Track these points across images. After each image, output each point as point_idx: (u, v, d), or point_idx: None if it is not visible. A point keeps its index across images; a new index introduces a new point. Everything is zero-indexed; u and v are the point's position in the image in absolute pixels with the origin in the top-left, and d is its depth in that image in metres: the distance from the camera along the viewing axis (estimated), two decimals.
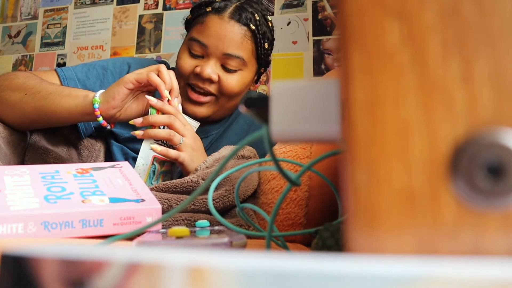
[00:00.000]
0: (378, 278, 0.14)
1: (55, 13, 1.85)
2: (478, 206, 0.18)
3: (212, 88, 0.89)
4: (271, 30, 0.96)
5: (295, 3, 1.62)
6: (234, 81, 0.89)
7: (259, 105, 0.28)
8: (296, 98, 0.26)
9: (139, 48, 1.74)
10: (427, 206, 0.18)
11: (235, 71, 0.89)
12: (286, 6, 1.62)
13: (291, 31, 1.60)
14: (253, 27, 0.89)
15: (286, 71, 1.58)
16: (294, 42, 1.60)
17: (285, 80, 0.27)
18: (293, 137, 0.27)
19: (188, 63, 0.89)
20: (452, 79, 0.19)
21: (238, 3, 0.90)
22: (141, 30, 1.75)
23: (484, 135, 0.18)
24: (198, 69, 0.87)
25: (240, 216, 0.51)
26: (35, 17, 1.86)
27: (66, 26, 1.82)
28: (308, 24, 1.60)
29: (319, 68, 1.56)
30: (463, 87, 0.19)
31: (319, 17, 1.60)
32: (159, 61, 1.03)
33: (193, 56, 0.89)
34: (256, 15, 0.91)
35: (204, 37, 0.87)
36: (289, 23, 1.61)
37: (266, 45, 0.94)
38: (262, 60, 0.95)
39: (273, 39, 0.98)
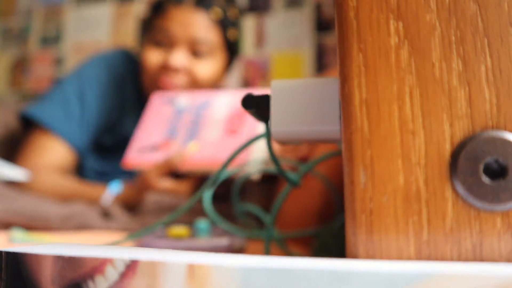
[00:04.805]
0: (378, 278, 0.14)
1: (53, 11, 1.85)
2: (478, 206, 0.18)
3: (182, 80, 0.85)
4: (237, 14, 0.92)
5: (295, 2, 1.62)
6: (205, 68, 0.86)
7: (259, 105, 0.28)
8: (296, 98, 0.26)
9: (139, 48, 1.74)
10: (427, 206, 0.18)
11: (205, 57, 0.86)
12: (286, 5, 1.62)
13: (291, 30, 1.60)
14: (217, 11, 0.86)
15: (285, 70, 1.58)
16: (294, 41, 1.60)
17: (284, 79, 0.27)
18: (293, 137, 0.27)
19: (154, 56, 0.85)
20: (451, 79, 0.19)
21: None
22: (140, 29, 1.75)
23: (483, 135, 0.18)
24: (164, 60, 0.83)
25: (239, 217, 0.51)
26: (33, 15, 1.86)
27: (64, 24, 1.82)
28: (308, 23, 1.60)
29: (319, 67, 1.56)
30: (462, 87, 0.19)
31: (319, 16, 1.60)
32: (124, 53, 0.98)
33: (159, 48, 0.85)
34: None
35: (168, 27, 0.84)
36: (289, 22, 1.61)
37: (233, 30, 0.90)
38: (231, 46, 0.91)
39: (239, 24, 0.93)
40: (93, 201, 0.74)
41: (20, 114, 0.89)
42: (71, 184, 0.80)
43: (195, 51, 0.85)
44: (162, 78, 0.84)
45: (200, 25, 0.84)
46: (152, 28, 0.87)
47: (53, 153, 0.84)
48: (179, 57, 0.83)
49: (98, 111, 0.89)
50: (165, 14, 0.85)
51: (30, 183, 0.77)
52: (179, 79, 0.85)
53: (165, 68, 0.84)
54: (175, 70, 0.84)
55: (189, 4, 0.85)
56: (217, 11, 0.86)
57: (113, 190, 0.75)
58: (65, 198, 0.75)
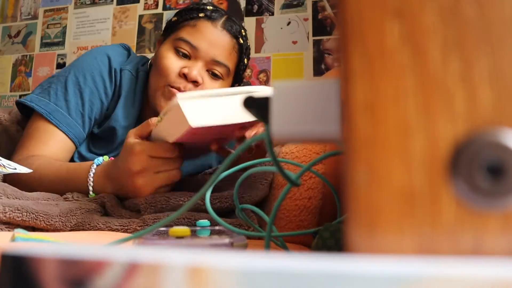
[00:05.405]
0: (378, 278, 0.14)
1: (55, 13, 1.85)
2: (478, 206, 0.18)
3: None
4: (249, 47, 0.99)
5: (295, 3, 1.62)
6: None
7: (260, 105, 0.28)
8: (296, 98, 0.26)
9: (139, 48, 1.74)
10: (427, 206, 0.18)
11: (218, 79, 0.89)
12: (286, 6, 1.62)
13: (291, 31, 1.60)
14: (241, 41, 0.92)
15: (286, 71, 1.58)
16: (294, 42, 1.60)
17: (285, 80, 0.27)
18: (294, 137, 0.27)
19: (176, 63, 0.87)
20: (452, 79, 0.19)
21: (227, 15, 0.91)
22: (141, 30, 1.75)
23: (484, 135, 0.18)
24: (185, 70, 0.85)
25: (239, 217, 0.51)
26: (35, 17, 1.86)
27: (66, 26, 1.82)
28: (308, 24, 1.60)
29: (319, 68, 1.56)
30: (463, 87, 0.19)
31: (319, 17, 1.60)
32: (124, 46, 1.00)
33: (180, 56, 0.87)
34: (242, 30, 0.93)
35: (195, 39, 0.87)
36: (289, 23, 1.61)
37: (246, 61, 0.96)
38: (239, 75, 0.96)
39: (249, 56, 1.00)
40: (82, 178, 0.74)
41: (19, 102, 0.90)
42: (60, 165, 0.80)
43: (211, 71, 0.88)
44: (177, 85, 0.86)
45: (224, 49, 0.88)
46: (178, 34, 0.89)
47: (54, 144, 0.85)
48: (197, 72, 0.86)
49: (95, 102, 0.90)
50: (196, 27, 0.88)
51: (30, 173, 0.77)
52: (192, 90, 0.87)
53: (183, 77, 0.86)
54: (195, 83, 0.86)
55: (220, 26, 0.89)
56: (241, 41, 0.91)
57: (98, 162, 0.75)
58: (57, 179, 0.76)
